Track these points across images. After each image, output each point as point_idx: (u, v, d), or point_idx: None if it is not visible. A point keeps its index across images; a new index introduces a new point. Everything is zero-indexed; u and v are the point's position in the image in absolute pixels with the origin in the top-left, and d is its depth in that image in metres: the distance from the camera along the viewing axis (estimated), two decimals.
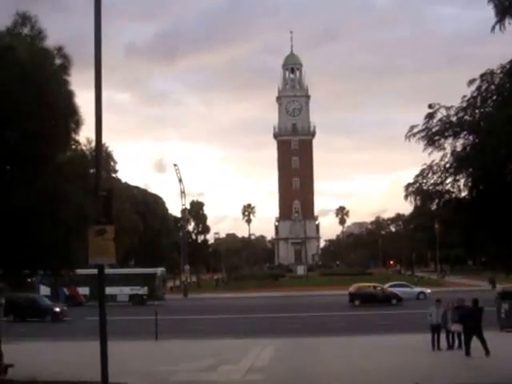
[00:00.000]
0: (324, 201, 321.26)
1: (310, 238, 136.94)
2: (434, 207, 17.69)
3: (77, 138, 16.82)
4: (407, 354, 25.53)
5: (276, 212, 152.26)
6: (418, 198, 17.43)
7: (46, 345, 31.20)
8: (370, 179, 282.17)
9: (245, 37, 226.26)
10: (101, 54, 15.65)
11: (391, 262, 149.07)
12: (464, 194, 17.46)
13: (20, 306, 45.85)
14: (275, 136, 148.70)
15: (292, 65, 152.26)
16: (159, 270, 68.95)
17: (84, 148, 18.49)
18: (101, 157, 16.59)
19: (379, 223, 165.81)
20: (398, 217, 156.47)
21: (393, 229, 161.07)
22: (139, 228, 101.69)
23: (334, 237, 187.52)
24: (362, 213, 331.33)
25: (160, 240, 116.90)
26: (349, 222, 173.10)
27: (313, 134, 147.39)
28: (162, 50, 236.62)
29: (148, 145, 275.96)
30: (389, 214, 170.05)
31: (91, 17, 15.34)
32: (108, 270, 69.76)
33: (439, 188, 17.20)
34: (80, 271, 25.12)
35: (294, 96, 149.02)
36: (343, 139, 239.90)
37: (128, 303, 62.54)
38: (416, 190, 17.42)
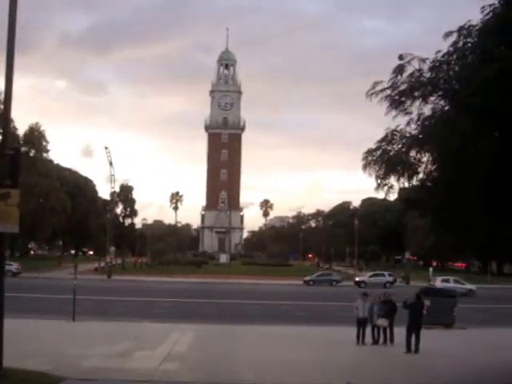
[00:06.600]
0: (249, 194, 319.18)
1: (234, 228, 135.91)
2: (395, 180, 13.99)
3: None
4: (333, 347, 23.50)
5: (203, 201, 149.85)
6: (381, 167, 13.81)
7: None
8: (292, 176, 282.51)
9: (180, 33, 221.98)
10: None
11: (310, 256, 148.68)
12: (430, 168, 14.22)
13: None
14: (206, 128, 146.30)
15: (226, 61, 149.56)
16: None
17: None
18: (10, 111, 13.54)
19: (300, 218, 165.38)
20: (318, 213, 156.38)
21: (313, 224, 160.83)
22: (68, 208, 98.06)
23: (256, 228, 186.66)
24: (284, 207, 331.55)
25: (88, 221, 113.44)
26: (271, 215, 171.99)
27: (242, 129, 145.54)
28: (99, 41, 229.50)
29: (82, 130, 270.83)
30: (308, 210, 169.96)
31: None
32: None
33: (403, 158, 13.81)
34: None
35: (226, 91, 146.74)
36: (270, 136, 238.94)
37: None
38: (379, 157, 13.88)
